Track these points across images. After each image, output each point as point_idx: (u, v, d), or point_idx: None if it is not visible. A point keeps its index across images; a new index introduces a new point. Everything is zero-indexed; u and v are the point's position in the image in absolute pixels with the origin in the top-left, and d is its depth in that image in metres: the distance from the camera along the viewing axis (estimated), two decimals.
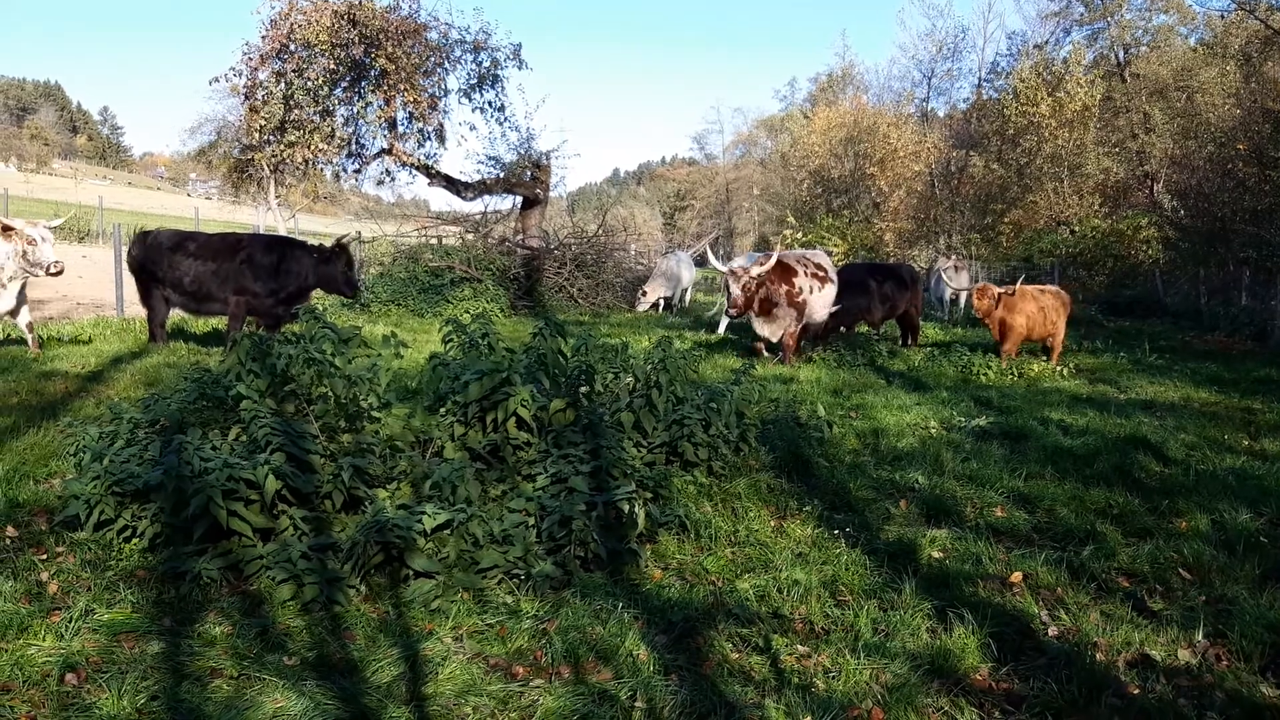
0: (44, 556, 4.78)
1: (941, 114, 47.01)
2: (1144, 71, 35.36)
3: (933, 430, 8.26)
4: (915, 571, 4.98)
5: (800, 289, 12.65)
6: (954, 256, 27.80)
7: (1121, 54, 38.28)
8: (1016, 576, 5.01)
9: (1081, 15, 39.50)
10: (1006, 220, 34.35)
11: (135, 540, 4.89)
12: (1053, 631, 4.44)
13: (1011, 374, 11.90)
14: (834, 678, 3.93)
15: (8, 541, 4.92)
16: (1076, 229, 30.44)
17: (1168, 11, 37.87)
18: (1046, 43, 40.29)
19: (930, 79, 45.78)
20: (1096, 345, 15.70)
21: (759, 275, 11.97)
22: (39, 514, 5.34)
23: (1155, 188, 32.82)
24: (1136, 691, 3.86)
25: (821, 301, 13.04)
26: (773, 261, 12.32)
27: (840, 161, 43.51)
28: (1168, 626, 4.45)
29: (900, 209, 39.83)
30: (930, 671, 3.99)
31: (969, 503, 6.25)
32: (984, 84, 43.48)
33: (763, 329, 12.73)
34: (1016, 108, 33.03)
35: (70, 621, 4.08)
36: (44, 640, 3.93)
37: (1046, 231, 31.57)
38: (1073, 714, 3.72)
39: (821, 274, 13.06)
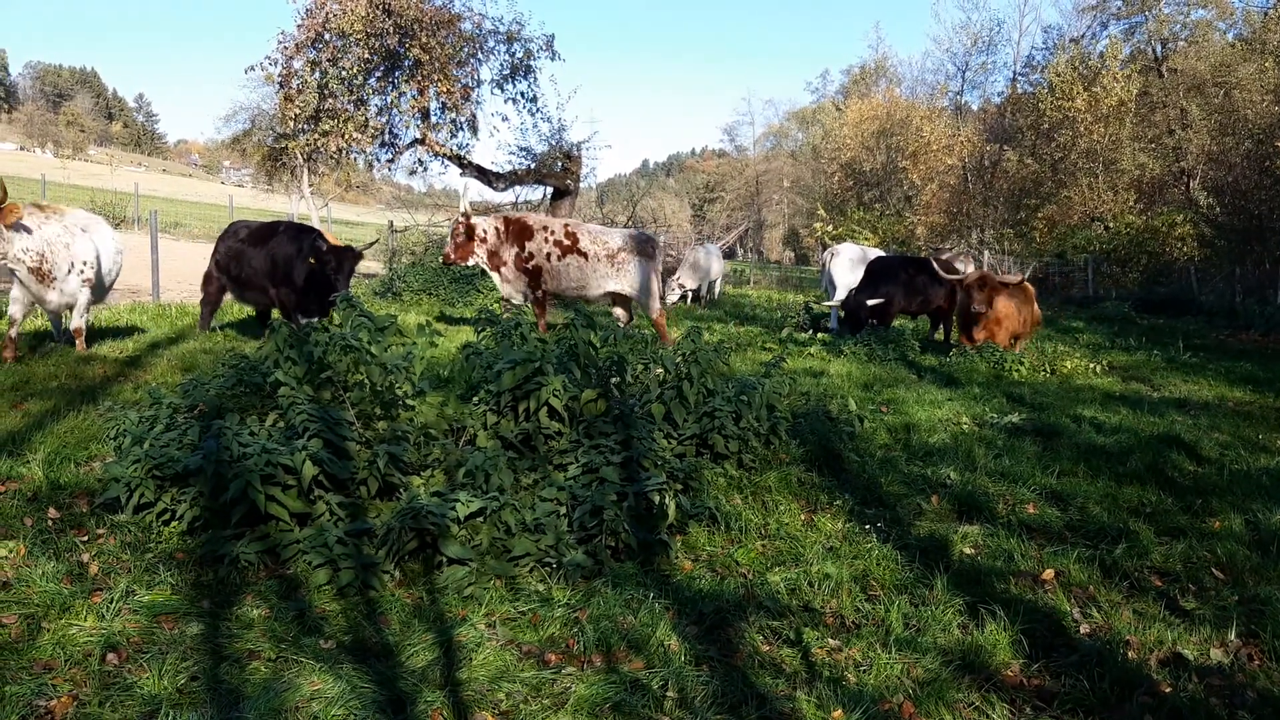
0: (85, 538, 4.87)
1: (975, 107, 46.68)
2: (1181, 67, 34.94)
3: (964, 426, 8.23)
4: (947, 567, 4.98)
5: (532, 254, 12.71)
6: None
7: (1159, 49, 37.86)
8: (1049, 573, 5.00)
9: (1119, 9, 39.08)
10: (1040, 215, 34.09)
11: (174, 523, 4.96)
12: (1084, 629, 4.43)
13: (1044, 370, 11.82)
14: (865, 671, 3.94)
15: (50, 523, 5.00)
16: (1111, 225, 30.18)
17: (1206, 6, 37.38)
18: (1083, 36, 39.94)
19: (964, 72, 45.41)
20: (1130, 342, 15.56)
21: (470, 223, 12.53)
22: (80, 496, 5.43)
23: (1191, 184, 32.46)
24: (1168, 690, 3.85)
25: (568, 272, 12.82)
26: (488, 220, 12.79)
27: (872, 154, 43.31)
28: (1200, 625, 4.43)
29: (933, 203, 39.60)
30: (962, 667, 4.00)
31: (1001, 499, 6.23)
32: (1019, 78, 43.10)
33: (503, 288, 13.04)
34: (1052, 102, 32.75)
35: (111, 602, 4.15)
36: (86, 620, 4.00)
37: (1080, 227, 31.33)
38: (1104, 711, 3.72)
39: (568, 244, 12.85)
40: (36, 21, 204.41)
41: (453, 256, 12.91)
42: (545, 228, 12.93)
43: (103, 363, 9.17)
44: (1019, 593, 4.78)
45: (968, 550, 5.35)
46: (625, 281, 12.88)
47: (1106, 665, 4.00)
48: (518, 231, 12.76)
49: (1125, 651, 4.17)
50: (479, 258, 12.83)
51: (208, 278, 11.74)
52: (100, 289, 9.75)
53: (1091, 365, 12.33)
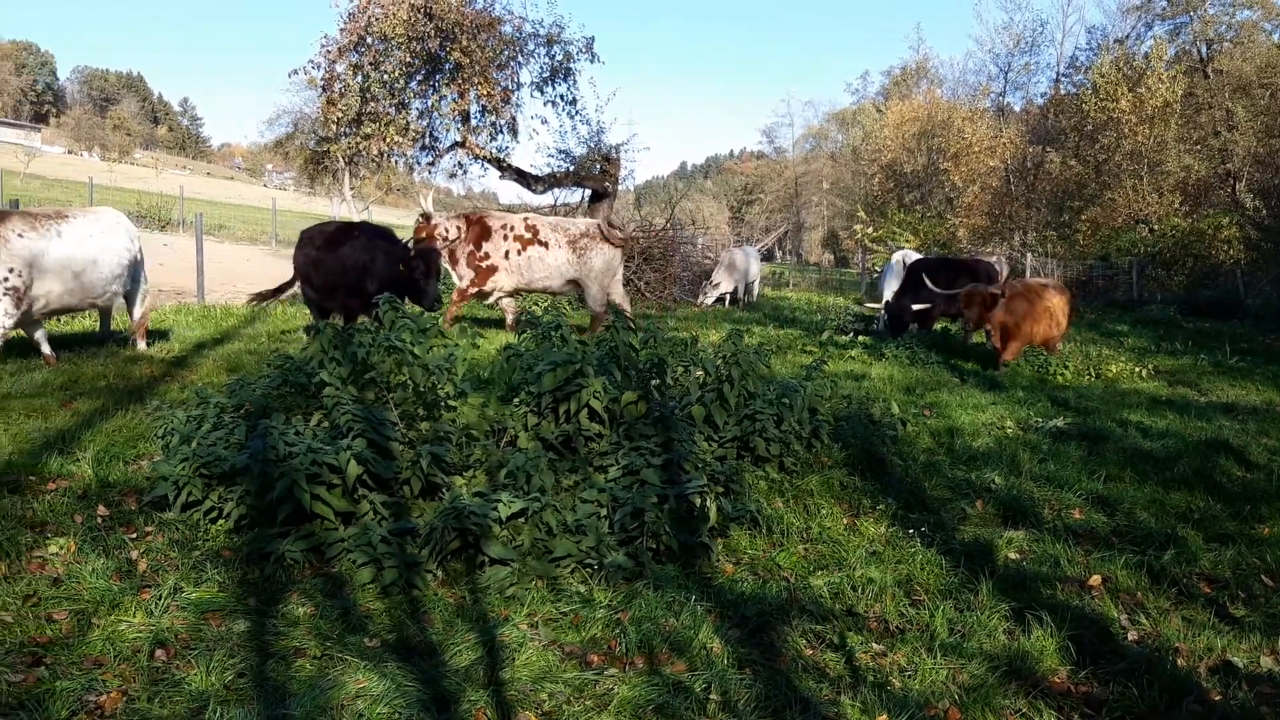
0: (134, 535, 4.94)
1: (1018, 109, 46.11)
2: (1227, 68, 34.32)
3: (1009, 430, 8.15)
4: (992, 572, 4.93)
5: (488, 254, 12.81)
6: (995, 250, 27.30)
7: (1204, 49, 37.24)
8: (1095, 579, 4.94)
9: (1163, 10, 38.47)
10: (1084, 218, 33.65)
11: (221, 521, 5.02)
12: (1132, 636, 4.37)
13: (1089, 374, 11.67)
14: (910, 676, 3.91)
15: (99, 520, 5.08)
16: (1156, 227, 29.74)
17: (1252, 7, 36.68)
18: (1127, 37, 39.34)
19: (1007, 73, 44.85)
20: (1175, 346, 15.33)
21: (432, 224, 12.59)
22: (128, 494, 5.51)
23: (1237, 186, 31.92)
24: (1218, 698, 3.81)
25: (532, 265, 12.91)
26: (450, 220, 12.93)
27: (913, 156, 42.98)
28: (1250, 633, 4.37)
29: (974, 205, 39.21)
30: (1008, 673, 3.96)
31: (1047, 504, 6.16)
32: (1062, 78, 42.53)
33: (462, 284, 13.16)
34: (1095, 103, 32.32)
35: (160, 599, 4.20)
36: (135, 617, 4.05)
37: (1125, 230, 30.89)
38: (1153, 719, 3.66)
39: (529, 238, 12.89)
40: (84, 27, 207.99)
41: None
42: (505, 225, 13.05)
43: (149, 363, 9.30)
44: (1065, 599, 4.72)
45: (1013, 555, 5.29)
46: (584, 269, 13.00)
47: (1155, 672, 3.95)
48: (478, 233, 12.88)
49: (1174, 659, 4.11)
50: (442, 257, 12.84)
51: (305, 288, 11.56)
52: (55, 295, 8.96)
53: (1137, 369, 12.17)
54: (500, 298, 13.35)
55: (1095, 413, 9.07)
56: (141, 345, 9.99)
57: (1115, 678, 3.95)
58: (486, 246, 12.83)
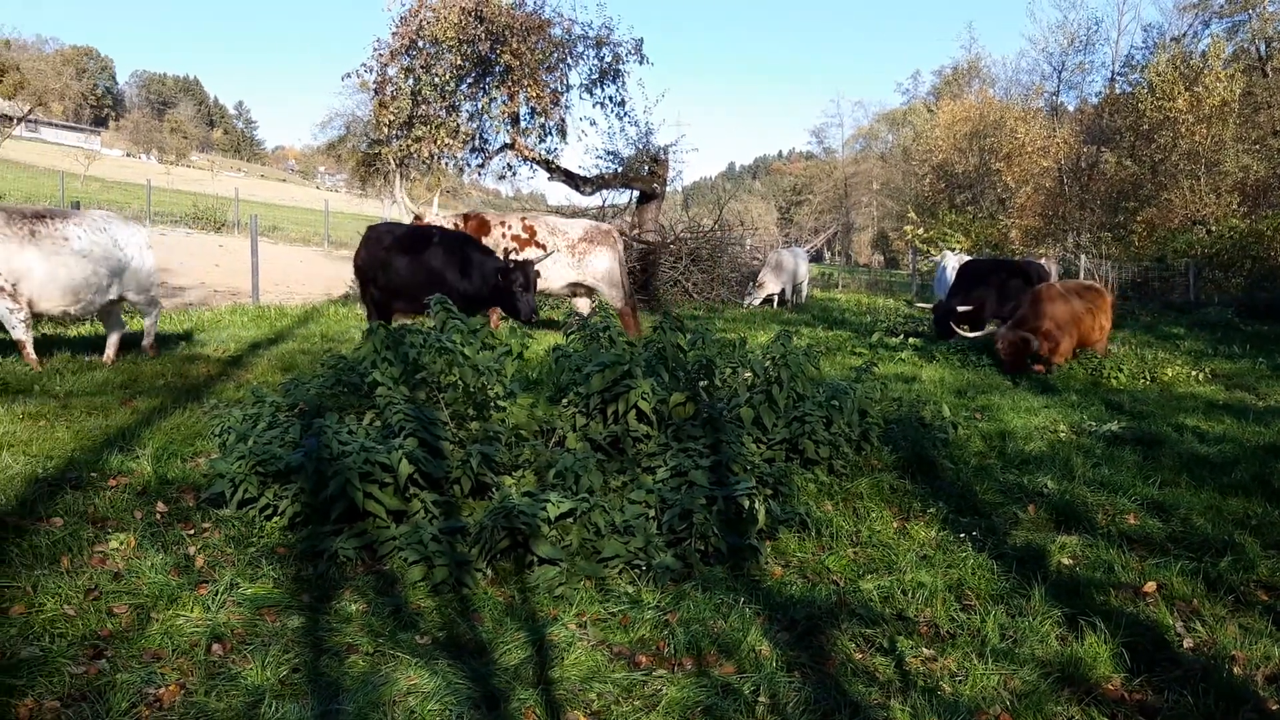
0: (191, 531, 5.04)
1: (1072, 108, 45.43)
2: None
3: (1062, 434, 8.04)
4: (1044, 578, 4.86)
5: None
6: (1048, 252, 26.88)
7: (1263, 48, 36.48)
8: (1150, 586, 4.86)
9: (1221, 7, 37.76)
10: (1139, 219, 33.09)
11: (276, 518, 5.10)
12: (1188, 643, 4.30)
13: (1144, 378, 11.48)
14: (961, 682, 3.88)
15: (158, 517, 5.19)
16: (1213, 229, 29.13)
17: None
18: (1184, 35, 38.68)
19: (1060, 72, 44.19)
20: (1233, 349, 15.01)
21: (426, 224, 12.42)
22: (186, 491, 5.61)
23: None
24: (1275, 707, 3.74)
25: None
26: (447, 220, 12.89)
27: (965, 156, 42.51)
28: None
29: (1027, 205, 38.68)
30: (1060, 679, 3.91)
31: (1100, 509, 6.07)
32: (1117, 77, 41.89)
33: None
34: (1152, 102, 31.76)
35: (216, 594, 4.28)
36: (192, 611, 4.13)
37: (1181, 231, 30.31)
38: None
39: (525, 238, 12.83)
40: (142, 31, 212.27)
41: None
42: (503, 223, 13.05)
43: (206, 362, 9.47)
44: (1119, 605, 4.66)
45: (1066, 561, 5.22)
46: (586, 273, 12.91)
47: (1211, 681, 3.88)
48: (475, 228, 12.90)
49: (1230, 667, 4.04)
50: None
51: (364, 288, 11.53)
52: (53, 299, 8.73)
53: (1193, 373, 11.94)
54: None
55: (1150, 417, 8.92)
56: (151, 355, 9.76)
57: (1170, 686, 3.89)
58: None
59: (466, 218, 13.20)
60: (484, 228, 12.95)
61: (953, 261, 18.61)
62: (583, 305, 13.43)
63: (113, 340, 9.46)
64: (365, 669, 3.76)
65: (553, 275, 12.91)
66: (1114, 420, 8.58)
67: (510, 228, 12.96)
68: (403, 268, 10.71)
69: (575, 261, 12.93)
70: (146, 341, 9.82)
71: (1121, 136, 35.21)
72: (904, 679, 3.89)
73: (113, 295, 9.20)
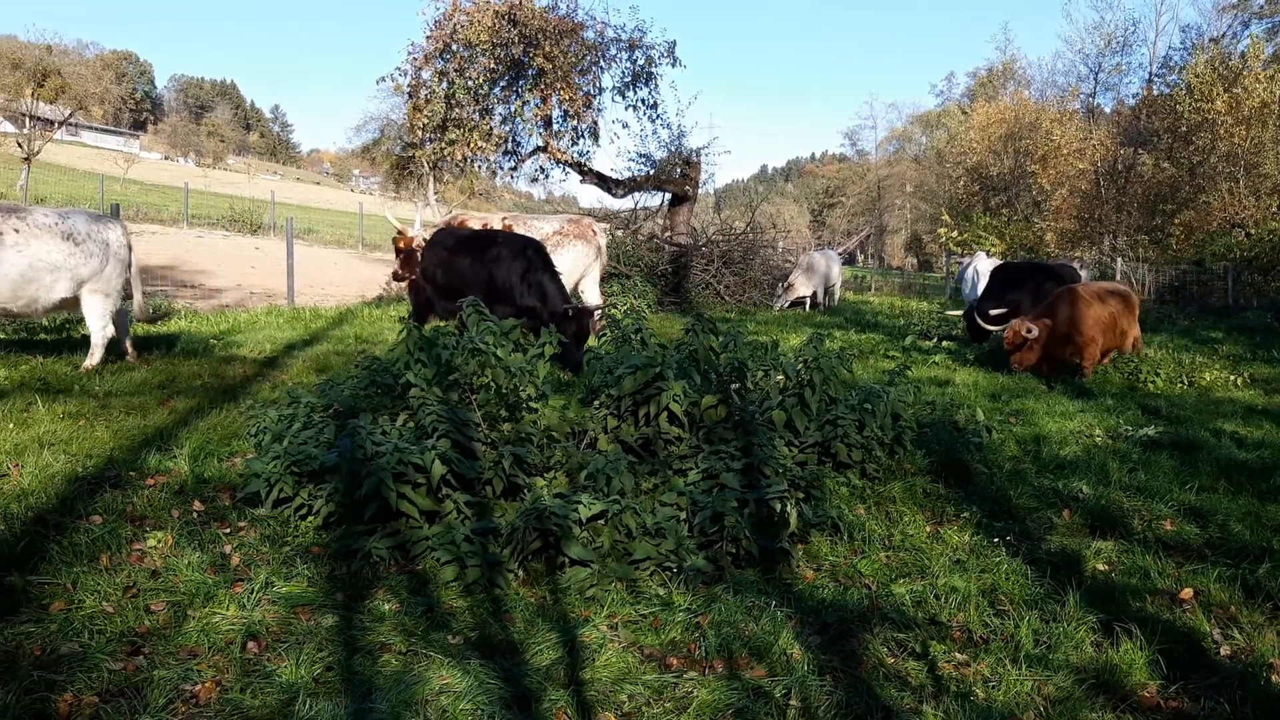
0: (227, 530, 5.09)
1: (1108, 110, 44.96)
2: None
3: (1097, 438, 7.96)
4: (1079, 583, 4.82)
5: None
6: (1083, 255, 26.61)
7: None
8: (1187, 592, 4.80)
9: (1261, 8, 37.29)
10: (1177, 221, 32.69)
11: (311, 518, 5.15)
12: (1225, 650, 4.24)
13: (1181, 382, 11.34)
14: (994, 687, 3.85)
15: (195, 515, 5.25)
16: (1252, 231, 28.74)
17: None
18: (1223, 36, 38.16)
19: (1097, 74, 43.75)
20: (1273, 354, 14.79)
21: (408, 238, 12.32)
22: (222, 490, 5.67)
23: None
24: None
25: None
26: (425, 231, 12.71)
27: (999, 158, 42.18)
28: None
29: (1063, 208, 38.30)
30: (1095, 686, 3.88)
31: (1137, 515, 6.00)
32: (1155, 79, 41.37)
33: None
34: (1190, 104, 31.37)
35: (251, 593, 4.32)
36: (228, 609, 4.18)
37: (1220, 234, 29.93)
38: None
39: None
40: (181, 36, 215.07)
41: (402, 272, 12.96)
42: (485, 224, 13.15)
43: (243, 363, 9.57)
44: (1156, 611, 4.60)
45: (1101, 566, 5.17)
46: (561, 266, 12.74)
47: (1249, 688, 3.83)
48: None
49: (1268, 674, 3.99)
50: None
51: (416, 288, 11.52)
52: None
53: (1232, 377, 11.77)
54: None
55: (1188, 421, 8.81)
56: (131, 354, 9.42)
57: (1207, 693, 3.84)
58: None
59: (449, 223, 13.36)
60: (465, 227, 13.06)
61: (985, 265, 18.45)
62: (592, 297, 13.50)
63: (124, 341, 9.27)
64: (398, 668, 3.79)
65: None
66: (1151, 425, 8.48)
67: (489, 227, 13.07)
68: (468, 270, 10.65)
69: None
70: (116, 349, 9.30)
71: (1159, 138, 34.81)
72: (936, 684, 3.87)
73: (63, 294, 8.80)
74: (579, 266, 13.27)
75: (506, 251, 10.58)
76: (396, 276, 13.18)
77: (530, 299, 10.34)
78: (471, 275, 10.58)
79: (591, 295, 13.68)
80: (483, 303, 10.15)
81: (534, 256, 10.55)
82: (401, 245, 12.80)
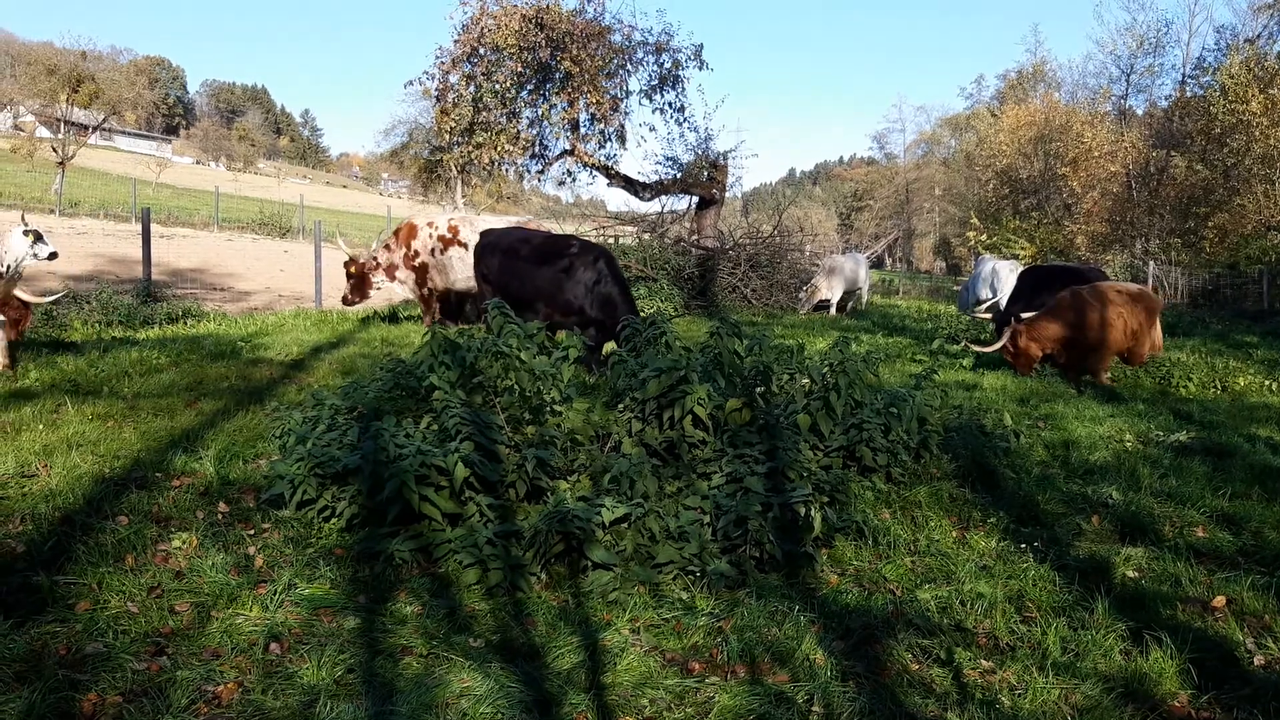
0: (251, 532, 5.11)
1: (1140, 112, 44.55)
2: None
3: (1128, 443, 7.86)
4: (1108, 590, 4.75)
5: (417, 252, 13.22)
6: (1114, 259, 26.32)
7: None
8: (1219, 600, 4.72)
9: None
10: (1210, 224, 32.35)
11: (334, 520, 5.16)
12: (1259, 660, 4.17)
13: (1214, 387, 11.19)
14: (1020, 695, 3.80)
15: (219, 517, 5.28)
16: None
17: None
18: (1258, 36, 37.65)
19: (1129, 75, 43.34)
20: None
21: (359, 263, 13.30)
22: (247, 492, 5.70)
23: None
24: None
25: (453, 264, 13.13)
26: (372, 249, 13.50)
27: (1029, 161, 41.89)
28: None
29: (1094, 211, 37.99)
30: (1124, 695, 3.81)
31: (1167, 521, 5.91)
32: (1188, 80, 40.94)
33: (400, 290, 13.81)
34: (1224, 105, 31.02)
35: (275, 594, 4.34)
36: (251, 611, 4.19)
37: (1254, 237, 29.59)
38: None
39: (449, 238, 13.12)
40: (212, 42, 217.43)
41: (351, 297, 13.50)
42: (430, 224, 13.37)
43: (269, 365, 9.63)
44: (1187, 619, 4.53)
45: (1131, 573, 5.10)
46: None
47: None
48: (407, 234, 13.26)
49: None
50: (380, 283, 13.47)
51: (480, 296, 11.45)
52: None
53: (1267, 382, 11.61)
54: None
55: (1221, 427, 8.68)
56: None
57: (1240, 704, 3.77)
58: (415, 245, 13.23)
59: (397, 231, 13.59)
60: (413, 231, 13.36)
61: (1007, 269, 18.26)
62: None
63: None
64: (419, 670, 3.79)
65: (448, 270, 13.31)
66: (1183, 430, 8.37)
67: (437, 228, 13.29)
68: (536, 277, 10.58)
69: None
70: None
71: (1192, 140, 34.47)
72: (961, 691, 3.82)
73: None
74: None
75: (582, 263, 10.36)
76: (346, 301, 13.48)
77: (596, 311, 10.21)
78: (537, 282, 10.52)
79: None
80: (553, 311, 10.15)
81: (604, 267, 10.36)
82: (354, 270, 13.20)
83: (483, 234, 11.54)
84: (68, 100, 43.33)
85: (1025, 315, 11.48)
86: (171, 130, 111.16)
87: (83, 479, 5.56)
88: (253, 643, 3.92)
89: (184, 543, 4.81)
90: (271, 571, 4.63)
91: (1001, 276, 17.93)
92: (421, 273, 13.21)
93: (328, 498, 5.21)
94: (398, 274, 13.38)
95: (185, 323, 13.12)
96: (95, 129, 49.97)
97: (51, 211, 37.26)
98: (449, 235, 13.12)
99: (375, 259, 13.40)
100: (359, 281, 13.36)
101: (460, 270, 12.96)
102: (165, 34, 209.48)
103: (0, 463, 5.72)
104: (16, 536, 4.72)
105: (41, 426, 6.69)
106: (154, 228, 17.07)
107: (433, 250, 13.14)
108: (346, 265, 13.46)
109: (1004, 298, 15.72)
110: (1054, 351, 11.00)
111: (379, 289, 13.59)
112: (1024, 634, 4.37)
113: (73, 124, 45.00)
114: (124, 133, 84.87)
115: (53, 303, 10.02)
